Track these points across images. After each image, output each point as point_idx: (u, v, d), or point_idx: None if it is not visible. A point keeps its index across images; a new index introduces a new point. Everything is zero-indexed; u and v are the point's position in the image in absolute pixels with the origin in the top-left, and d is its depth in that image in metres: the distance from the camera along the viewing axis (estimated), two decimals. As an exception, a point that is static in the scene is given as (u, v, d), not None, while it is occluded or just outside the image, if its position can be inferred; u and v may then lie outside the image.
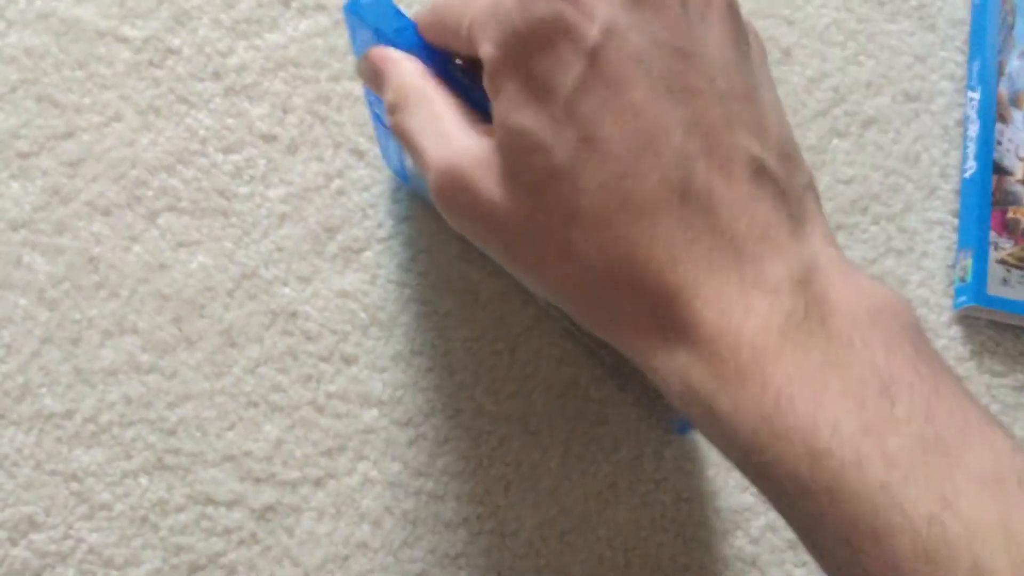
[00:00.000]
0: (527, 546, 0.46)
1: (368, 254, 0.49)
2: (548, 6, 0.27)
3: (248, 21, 0.52)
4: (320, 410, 0.47)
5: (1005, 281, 0.50)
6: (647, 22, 0.28)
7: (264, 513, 0.46)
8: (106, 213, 0.49)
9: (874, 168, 0.53)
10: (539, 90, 0.28)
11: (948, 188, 0.53)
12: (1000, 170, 0.51)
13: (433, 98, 0.33)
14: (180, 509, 0.45)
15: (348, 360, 0.48)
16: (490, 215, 0.30)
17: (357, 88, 0.51)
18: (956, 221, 0.52)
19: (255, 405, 0.47)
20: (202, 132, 0.50)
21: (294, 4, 0.52)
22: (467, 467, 0.47)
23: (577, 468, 0.48)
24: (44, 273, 0.48)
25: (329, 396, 0.47)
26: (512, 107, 0.29)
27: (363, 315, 0.48)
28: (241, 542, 0.45)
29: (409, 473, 0.47)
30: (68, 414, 0.46)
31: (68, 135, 0.49)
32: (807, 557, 0.46)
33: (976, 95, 0.53)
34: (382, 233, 0.50)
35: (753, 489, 0.47)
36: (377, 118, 0.44)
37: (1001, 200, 0.51)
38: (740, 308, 0.28)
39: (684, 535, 0.47)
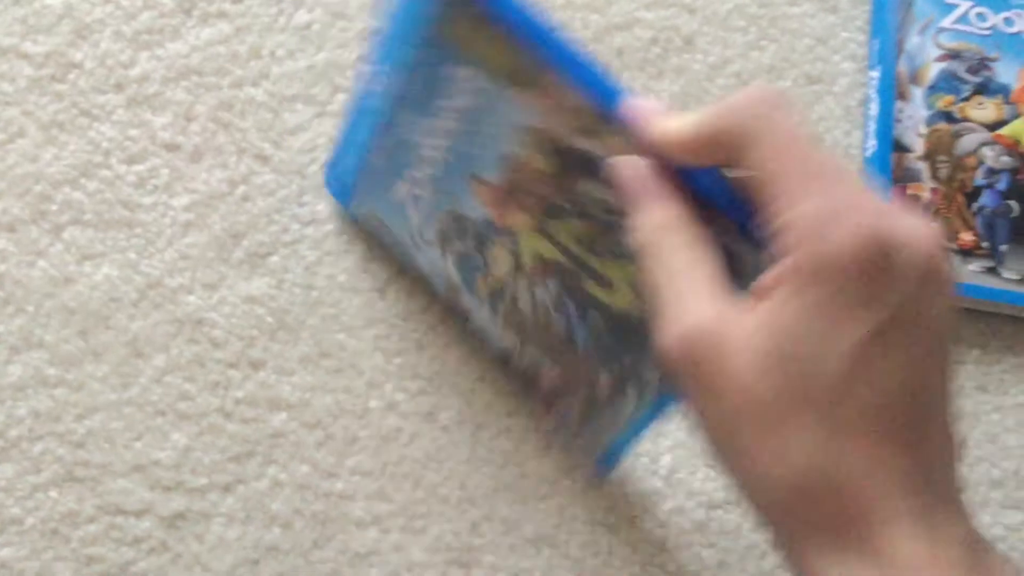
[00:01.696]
0: (437, 541, 0.46)
1: (274, 259, 0.48)
2: (888, 253, 0.27)
3: (150, 32, 0.51)
4: (228, 416, 0.46)
5: None
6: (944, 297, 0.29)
7: (174, 521, 0.45)
8: (11, 230, 0.48)
9: (777, 151, 0.52)
10: (841, 310, 0.27)
11: (852, 168, 0.52)
12: (900, 147, 0.50)
13: (686, 254, 0.30)
14: (90, 520, 0.45)
15: (256, 365, 0.47)
16: (725, 391, 0.28)
17: (260, 94, 0.50)
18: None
19: (163, 414, 0.46)
20: (105, 144, 0.49)
21: (195, 13, 0.51)
22: (376, 466, 0.46)
23: (487, 460, 0.47)
24: (-51, 292, 0.47)
25: (237, 402, 0.46)
26: (811, 316, 0.27)
27: (270, 319, 0.48)
28: (151, 550, 0.44)
29: (319, 475, 0.46)
30: (-24, 431, 0.45)
31: (-29, 153, 0.48)
32: (715, 538, 0.46)
33: (876, 74, 0.52)
34: (287, 237, 0.49)
35: (661, 472, 0.47)
36: (360, 124, 0.44)
37: (901, 177, 0.50)
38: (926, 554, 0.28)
39: (593, 520, 0.46)
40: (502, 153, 0.41)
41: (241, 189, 0.49)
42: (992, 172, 0.50)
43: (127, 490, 0.45)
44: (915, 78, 0.51)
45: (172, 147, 0.49)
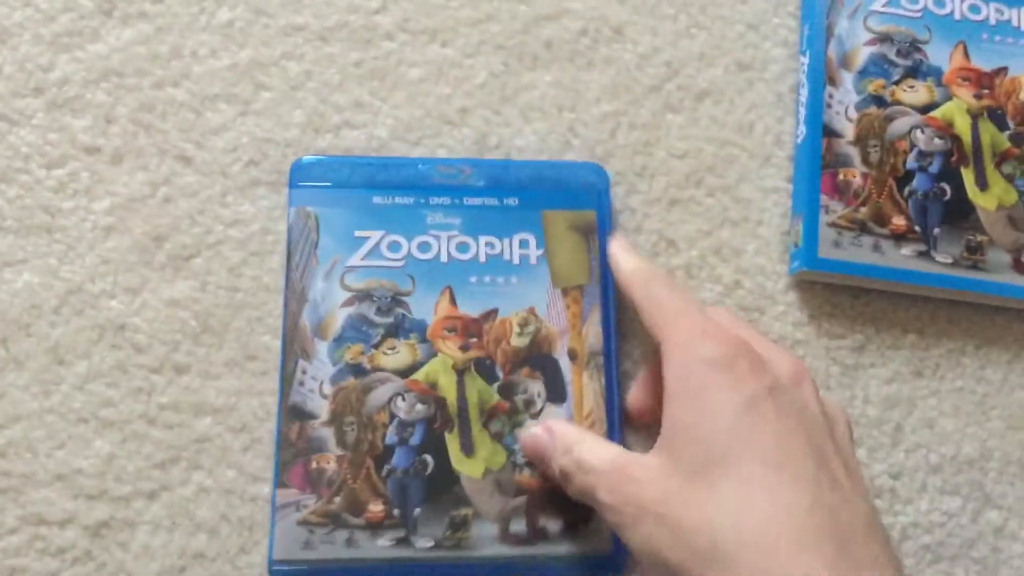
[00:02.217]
0: (367, 543, 0.45)
1: (197, 261, 0.47)
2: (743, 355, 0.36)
3: (69, 34, 0.50)
4: (152, 422, 0.45)
5: (837, 244, 0.48)
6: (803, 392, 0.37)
7: (98, 530, 0.44)
8: (-72, 238, 0.47)
9: (708, 141, 0.51)
10: (718, 391, 0.36)
11: (783, 155, 0.51)
12: (830, 133, 0.50)
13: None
14: (13, 531, 0.44)
15: (180, 370, 0.46)
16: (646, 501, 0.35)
17: (181, 94, 0.49)
18: (792, 187, 0.51)
19: (85, 422, 0.45)
20: (25, 149, 0.48)
21: (115, 13, 0.50)
22: (304, 468, 0.45)
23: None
24: None
25: (161, 407, 0.45)
26: (695, 404, 0.36)
27: (194, 323, 0.47)
28: (76, 560, 0.44)
29: (245, 479, 0.45)
30: None
31: None
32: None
33: (806, 60, 0.52)
34: (211, 239, 0.48)
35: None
36: None
37: (832, 163, 0.49)
38: None
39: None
40: (495, 307, 0.45)
41: (163, 191, 0.48)
42: (924, 155, 0.49)
43: (50, 500, 0.44)
44: (845, 62, 0.51)
45: (92, 150, 0.48)
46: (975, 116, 0.49)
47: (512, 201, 0.47)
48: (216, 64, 0.50)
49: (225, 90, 0.50)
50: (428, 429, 0.44)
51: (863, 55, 0.50)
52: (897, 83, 0.50)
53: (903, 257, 0.48)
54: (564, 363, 0.45)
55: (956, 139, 0.49)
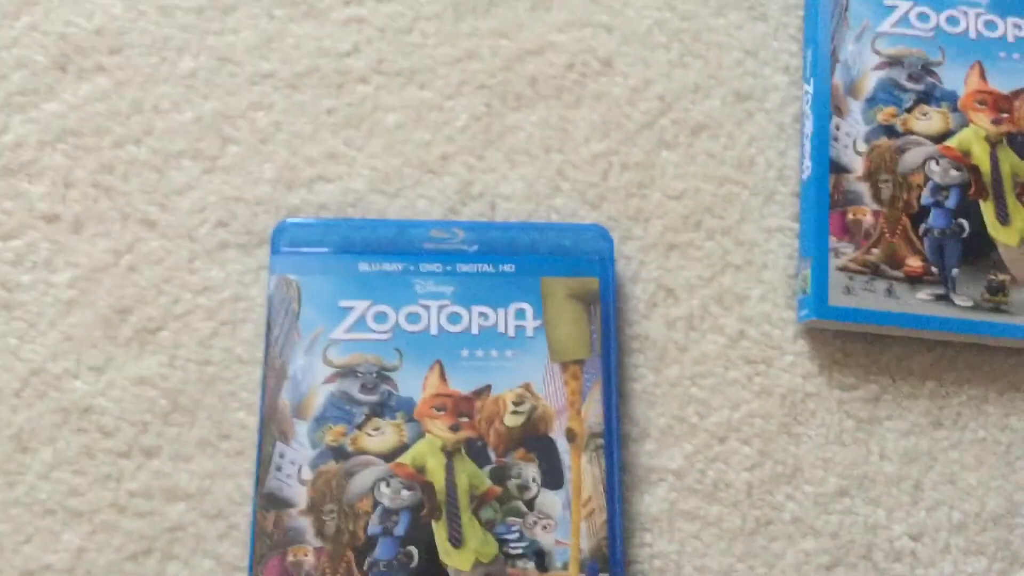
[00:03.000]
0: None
1: (165, 333, 0.44)
2: None
3: (23, 92, 0.47)
4: (122, 511, 0.42)
5: (848, 290, 0.45)
6: None
7: (69, 629, 0.41)
8: None
9: (706, 179, 0.48)
10: None
11: (787, 191, 0.48)
12: (838, 168, 0.46)
13: None
14: (-21, 634, 0.41)
15: (149, 453, 0.43)
16: None
17: (143, 153, 0.46)
18: (798, 226, 0.47)
19: (52, 513, 0.42)
20: (-21, 219, 0.45)
21: (71, 68, 0.47)
22: (285, 554, 0.43)
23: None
24: None
25: (131, 494, 0.43)
26: None
27: (163, 401, 0.44)
28: (46, 663, 0.41)
29: (223, 569, 0.42)
30: None
31: None
32: None
33: (810, 88, 0.48)
34: (179, 309, 0.45)
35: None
36: None
37: (841, 201, 0.46)
38: None
39: None
40: (488, 383, 0.42)
41: (126, 259, 0.45)
42: (939, 189, 0.46)
43: (16, 599, 0.41)
44: (852, 90, 0.47)
45: (51, 218, 0.45)
46: (994, 143, 0.46)
47: (508, 267, 0.44)
48: (179, 118, 0.47)
49: (190, 145, 0.46)
50: (414, 517, 0.41)
51: (871, 81, 0.46)
52: (909, 111, 0.46)
53: (920, 302, 0.45)
54: (561, 445, 0.42)
55: (974, 170, 0.46)
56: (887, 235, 0.45)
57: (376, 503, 0.41)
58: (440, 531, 0.41)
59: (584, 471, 0.42)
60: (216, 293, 0.44)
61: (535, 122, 0.48)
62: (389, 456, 0.41)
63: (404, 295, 0.43)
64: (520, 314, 0.43)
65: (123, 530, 0.42)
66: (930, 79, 0.46)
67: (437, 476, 0.41)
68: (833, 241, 0.45)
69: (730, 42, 0.49)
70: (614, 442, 0.42)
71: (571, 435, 0.42)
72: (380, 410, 0.42)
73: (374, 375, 0.42)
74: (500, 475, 0.42)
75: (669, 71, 0.49)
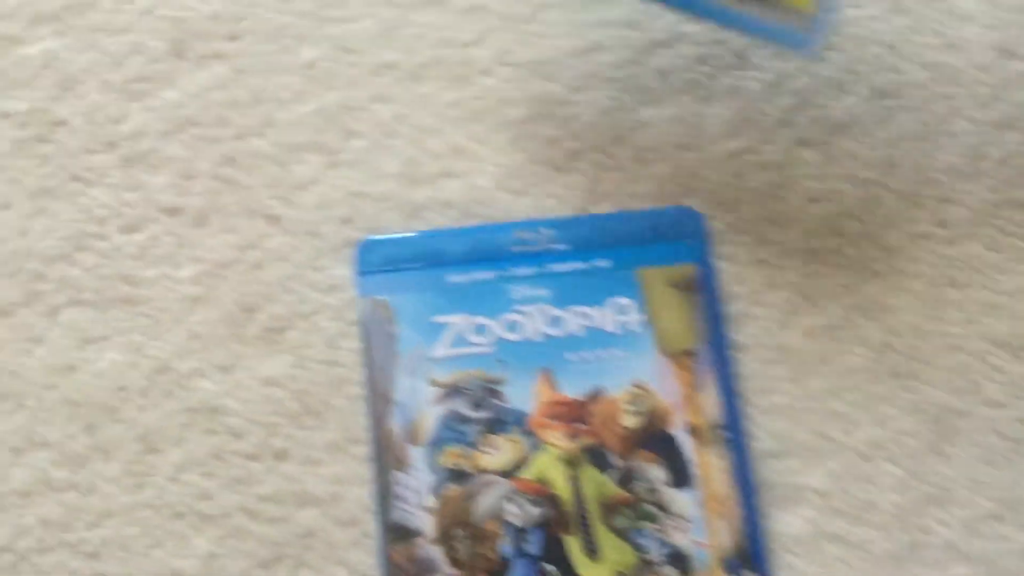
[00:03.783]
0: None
1: (292, 333, 0.43)
2: None
3: (140, 79, 0.45)
4: (253, 516, 0.41)
5: None
6: None
7: (201, 635, 0.41)
8: (3, 314, 0.43)
9: (847, 180, 0.46)
10: None
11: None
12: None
13: None
14: (111, 637, 0.40)
15: (279, 456, 0.42)
16: None
17: (265, 145, 0.45)
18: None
19: (181, 516, 0.41)
20: (99, 211, 0.44)
21: (189, 55, 0.45)
22: (417, 563, 0.42)
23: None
24: (-59, 390, 0.42)
25: (262, 499, 0.42)
26: None
27: (292, 403, 0.42)
28: (179, 668, 0.40)
29: (354, 576, 0.41)
30: (-20, 545, 0.41)
31: (-47, 231, 0.43)
32: None
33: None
34: (305, 308, 0.43)
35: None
36: None
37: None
38: None
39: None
40: (599, 385, 0.40)
41: (251, 255, 0.44)
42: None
43: (148, 603, 0.41)
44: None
45: (173, 211, 0.44)
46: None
47: (602, 263, 0.42)
48: (301, 109, 0.45)
49: (312, 138, 0.45)
50: (546, 534, 0.39)
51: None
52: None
53: None
54: (684, 441, 0.41)
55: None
56: None
57: (505, 523, 0.39)
58: (574, 545, 0.39)
59: (712, 466, 0.40)
60: (343, 292, 0.43)
61: (667, 116, 0.46)
62: (510, 473, 0.40)
63: (500, 303, 0.41)
64: (621, 309, 0.41)
65: (255, 535, 0.41)
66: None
67: (563, 488, 0.40)
68: None
69: (870, 35, 0.47)
70: (738, 431, 0.40)
71: (693, 429, 0.41)
72: (494, 426, 0.40)
73: (481, 391, 0.40)
74: (626, 479, 0.40)
75: (807, 65, 0.46)
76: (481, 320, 0.41)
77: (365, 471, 0.42)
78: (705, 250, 0.43)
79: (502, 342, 0.41)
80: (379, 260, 0.42)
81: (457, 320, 0.41)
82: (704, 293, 0.42)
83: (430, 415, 0.40)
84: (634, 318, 0.42)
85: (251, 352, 0.42)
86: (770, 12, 0.41)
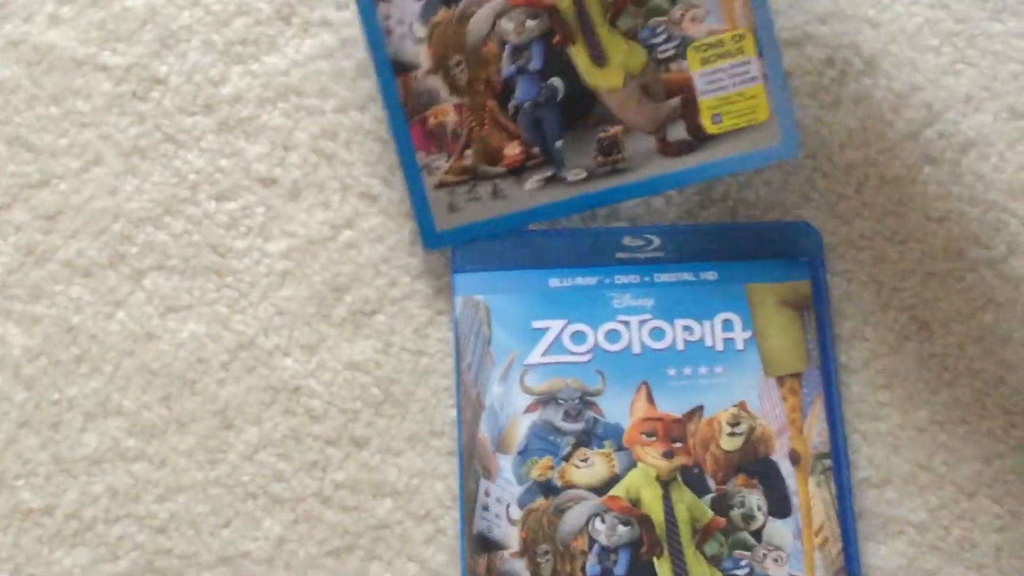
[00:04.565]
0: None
1: (380, 317, 0.41)
2: None
3: (244, 42, 0.43)
4: (327, 502, 0.40)
5: (452, 207, 0.39)
6: None
7: (265, 622, 0.39)
8: (86, 274, 0.41)
9: (972, 202, 0.43)
10: None
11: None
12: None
13: None
14: (173, 616, 0.39)
15: (358, 443, 0.40)
16: None
17: (368, 121, 0.43)
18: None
19: (254, 497, 0.40)
20: (192, 176, 0.42)
21: (295, 20, 0.44)
22: (494, 567, 0.40)
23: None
24: (19, 346, 0.40)
25: (337, 486, 0.40)
26: None
27: (375, 390, 0.41)
28: (241, 655, 0.39)
29: (427, 574, 0.39)
30: (48, 509, 0.39)
31: (43, 183, 0.42)
32: None
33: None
34: (396, 293, 0.41)
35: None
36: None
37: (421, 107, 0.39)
38: None
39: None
40: (699, 403, 0.38)
41: (345, 234, 0.42)
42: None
43: (214, 584, 0.39)
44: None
45: (268, 182, 0.42)
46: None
47: (710, 275, 0.40)
48: (406, 85, 0.43)
49: (415, 117, 0.43)
50: (634, 555, 0.37)
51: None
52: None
53: (528, 193, 0.38)
54: (785, 468, 0.38)
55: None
56: (476, 128, 0.38)
57: (592, 541, 0.37)
58: (664, 569, 0.37)
59: (813, 496, 0.38)
60: (436, 279, 0.41)
61: (787, 122, 0.43)
62: (600, 489, 0.38)
63: (601, 311, 0.39)
64: (728, 325, 0.39)
65: (326, 523, 0.39)
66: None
67: (655, 509, 0.38)
68: (421, 156, 0.38)
69: (1007, 52, 0.44)
70: (843, 463, 0.38)
71: (795, 456, 0.38)
72: (587, 439, 0.38)
73: (577, 401, 0.38)
74: (722, 505, 0.38)
75: (938, 77, 0.44)
76: (581, 328, 0.39)
77: (445, 465, 0.40)
78: (820, 268, 0.40)
79: (601, 352, 0.39)
80: (478, 258, 0.39)
81: (556, 326, 0.39)
82: (816, 314, 0.39)
83: (522, 423, 0.38)
84: (740, 335, 0.39)
85: (337, 334, 0.41)
86: (733, 143, 0.38)
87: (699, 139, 0.38)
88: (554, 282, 0.39)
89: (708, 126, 0.37)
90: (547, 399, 0.38)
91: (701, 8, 0.37)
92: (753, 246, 0.40)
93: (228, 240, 0.41)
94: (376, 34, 0.38)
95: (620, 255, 0.40)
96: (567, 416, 0.38)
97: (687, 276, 0.40)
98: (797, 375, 0.39)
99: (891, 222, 0.42)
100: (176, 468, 0.39)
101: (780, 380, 0.39)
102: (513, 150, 0.38)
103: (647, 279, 0.39)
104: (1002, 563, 0.39)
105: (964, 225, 0.42)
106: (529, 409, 0.38)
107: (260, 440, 0.39)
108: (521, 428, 0.38)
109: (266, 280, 0.41)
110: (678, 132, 0.38)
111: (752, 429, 0.38)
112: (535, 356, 0.39)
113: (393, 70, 0.38)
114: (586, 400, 0.38)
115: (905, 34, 0.44)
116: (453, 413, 0.40)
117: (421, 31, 0.38)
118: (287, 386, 0.40)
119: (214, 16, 0.43)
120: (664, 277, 0.40)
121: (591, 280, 0.39)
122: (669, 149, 0.37)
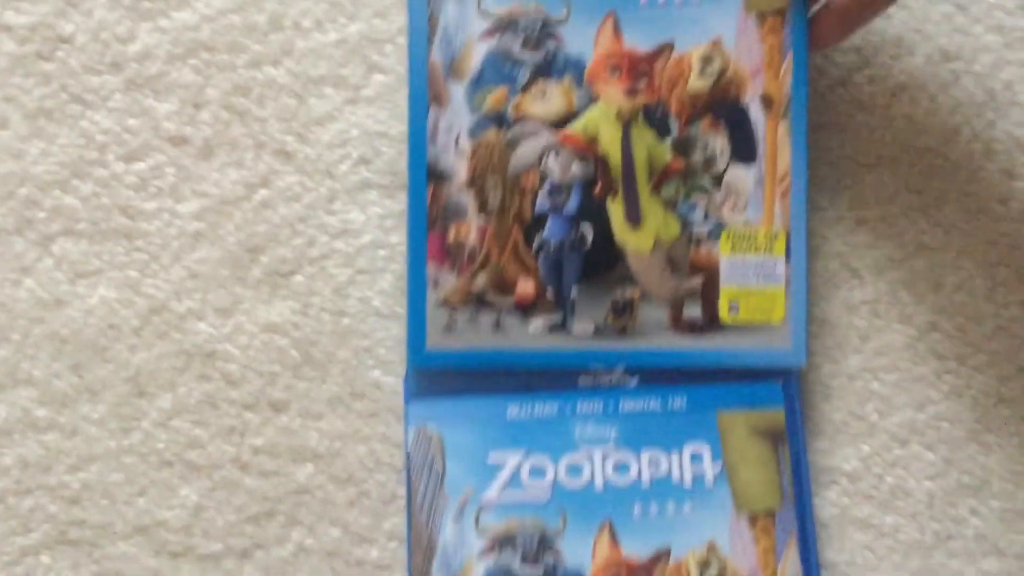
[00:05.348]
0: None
1: (298, 278, 0.40)
2: None
3: (151, -2, 0.42)
4: (245, 468, 0.38)
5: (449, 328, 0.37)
6: None
7: (183, 592, 0.38)
8: (-8, 240, 0.40)
9: (905, 147, 0.42)
10: None
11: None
12: (437, 176, 0.36)
13: None
14: (88, 589, 0.38)
15: (277, 407, 0.39)
16: None
17: (281, 75, 0.41)
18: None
19: (169, 465, 0.38)
20: (100, 137, 0.41)
21: (205, -26, 0.42)
22: (418, 530, 0.39)
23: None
24: (-78, 316, 0.39)
25: (255, 451, 0.39)
26: None
27: (293, 352, 0.39)
28: (158, 626, 0.38)
29: (350, 539, 0.38)
30: (-45, 483, 0.38)
31: (-56, 148, 0.40)
32: None
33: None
34: (314, 252, 0.40)
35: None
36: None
37: (440, 216, 0.37)
38: None
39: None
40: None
41: (260, 193, 0.40)
42: (558, 189, 0.36)
43: (129, 555, 0.38)
44: (453, 69, 0.36)
45: (179, 141, 0.41)
46: (627, 122, 0.36)
47: (678, 403, 0.37)
48: (322, 39, 0.41)
49: (332, 71, 0.41)
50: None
51: (477, 55, 0.36)
52: (525, 89, 0.36)
53: (532, 336, 0.37)
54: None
55: (601, 161, 0.36)
56: (494, 255, 0.37)
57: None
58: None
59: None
60: (355, 238, 0.40)
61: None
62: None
63: (562, 442, 0.37)
64: (696, 458, 0.37)
65: (245, 489, 0.38)
66: (551, 42, 0.36)
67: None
68: (432, 268, 0.37)
69: (938, -7, 0.43)
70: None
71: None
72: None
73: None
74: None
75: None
76: (540, 461, 0.36)
77: (367, 428, 0.39)
78: (793, 387, 0.37)
79: (561, 489, 0.36)
80: (431, 384, 0.37)
81: (513, 460, 0.36)
82: (791, 443, 0.37)
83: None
84: (710, 470, 0.37)
85: (253, 296, 0.39)
86: (744, 336, 0.37)
87: (712, 322, 0.36)
88: (512, 411, 0.37)
89: (724, 313, 0.36)
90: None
91: (743, 198, 0.36)
92: (724, 369, 0.37)
93: (138, 202, 0.40)
94: (420, 137, 0.36)
95: (583, 379, 0.37)
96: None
97: (654, 404, 0.37)
98: (771, 514, 0.37)
99: (822, 169, 0.41)
100: (88, 437, 0.38)
101: (752, 519, 0.36)
102: (527, 286, 0.36)
103: (611, 407, 0.37)
104: (935, 510, 0.39)
105: (896, 171, 0.41)
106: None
107: (174, 406, 0.38)
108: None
109: (178, 242, 0.39)
110: (693, 311, 0.36)
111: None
112: (491, 494, 0.36)
113: (427, 175, 0.36)
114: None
115: None
116: (375, 374, 0.39)
117: (467, 145, 0.36)
118: (201, 351, 0.39)
119: (121, -28, 0.42)
120: (630, 405, 0.37)
121: (551, 408, 0.37)
122: (681, 325, 0.36)
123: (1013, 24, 0.43)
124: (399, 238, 0.40)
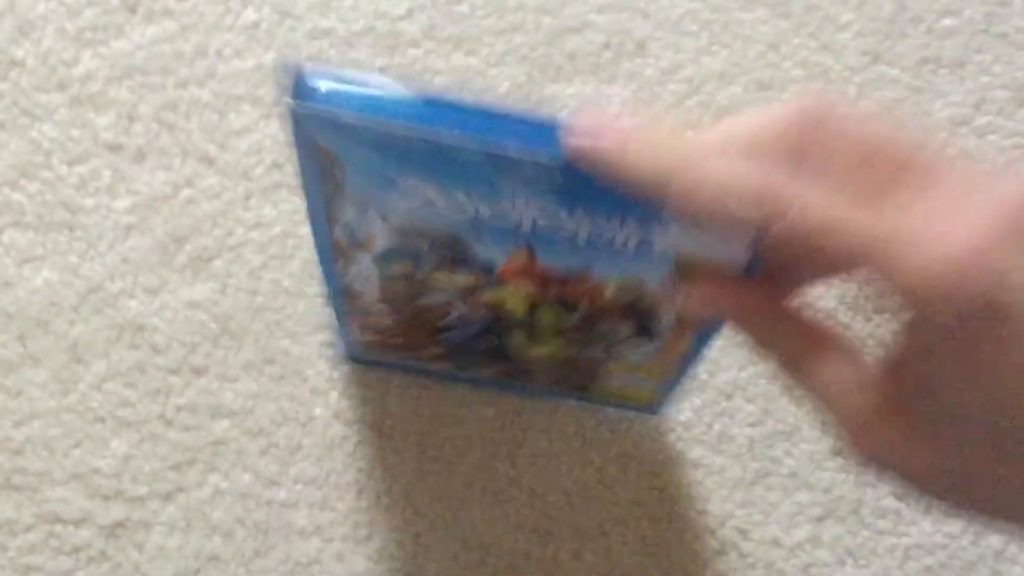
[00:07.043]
0: (380, 551, 0.44)
1: (218, 263, 0.46)
2: None
3: (94, 29, 0.48)
4: (169, 423, 0.44)
5: None
6: None
7: (113, 530, 0.43)
8: (-53, 231, 0.45)
9: (727, 158, 0.50)
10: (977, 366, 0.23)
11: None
12: None
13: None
14: (28, 529, 0.42)
15: (198, 371, 0.45)
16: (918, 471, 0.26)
17: (205, 94, 0.48)
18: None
19: (102, 421, 0.44)
20: (46, 144, 0.47)
21: (140, 10, 0.49)
22: (320, 474, 0.44)
23: (432, 470, 0.45)
24: None
25: (178, 409, 0.44)
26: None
27: (213, 325, 0.45)
28: (91, 559, 0.43)
29: (261, 483, 0.44)
30: (-90, 438, 0.43)
31: (-93, 152, 0.46)
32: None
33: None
34: (232, 241, 0.46)
35: (607, 482, 0.45)
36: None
37: None
38: None
39: (539, 529, 0.45)
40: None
41: (185, 192, 0.47)
42: (464, 319, 0.37)
43: (66, 499, 0.43)
44: (358, 245, 0.33)
45: (115, 148, 0.47)
46: (535, 304, 0.35)
47: None
48: (241, 65, 0.48)
49: (249, 91, 0.48)
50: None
51: (381, 243, 0.34)
52: (435, 270, 0.35)
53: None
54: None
55: (507, 313, 0.36)
56: (406, 332, 0.40)
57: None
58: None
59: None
60: (268, 229, 0.46)
61: (571, 94, 0.50)
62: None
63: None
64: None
65: (169, 441, 0.43)
66: (461, 248, 0.33)
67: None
68: (353, 325, 0.40)
69: (754, 35, 0.52)
70: None
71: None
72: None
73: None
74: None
75: (697, 57, 0.51)
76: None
77: (277, 389, 0.44)
78: None
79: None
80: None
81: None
82: None
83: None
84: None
85: (178, 278, 0.45)
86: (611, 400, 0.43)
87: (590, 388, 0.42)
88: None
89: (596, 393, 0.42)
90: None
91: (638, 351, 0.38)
92: None
93: (79, 199, 0.46)
94: (331, 271, 0.35)
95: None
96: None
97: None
98: None
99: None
100: (31, 398, 0.43)
101: None
102: (435, 351, 0.40)
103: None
104: (755, 451, 0.46)
105: (720, 177, 0.49)
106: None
107: (108, 372, 0.44)
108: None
109: (113, 233, 0.45)
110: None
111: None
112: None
113: (339, 291, 0.36)
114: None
115: (670, 21, 0.51)
116: (284, 343, 0.45)
117: (376, 283, 0.35)
118: (132, 324, 0.44)
119: (67, 7, 0.48)
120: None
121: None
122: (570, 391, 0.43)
123: (815, 60, 0.51)
124: (306, 230, 0.46)
